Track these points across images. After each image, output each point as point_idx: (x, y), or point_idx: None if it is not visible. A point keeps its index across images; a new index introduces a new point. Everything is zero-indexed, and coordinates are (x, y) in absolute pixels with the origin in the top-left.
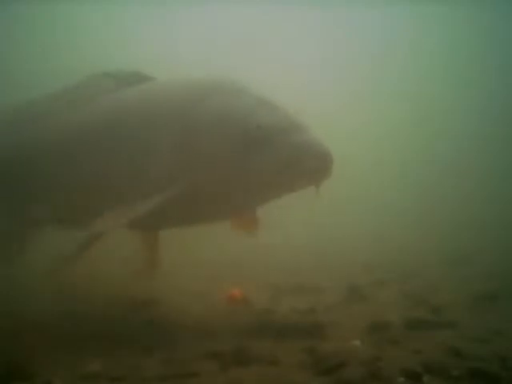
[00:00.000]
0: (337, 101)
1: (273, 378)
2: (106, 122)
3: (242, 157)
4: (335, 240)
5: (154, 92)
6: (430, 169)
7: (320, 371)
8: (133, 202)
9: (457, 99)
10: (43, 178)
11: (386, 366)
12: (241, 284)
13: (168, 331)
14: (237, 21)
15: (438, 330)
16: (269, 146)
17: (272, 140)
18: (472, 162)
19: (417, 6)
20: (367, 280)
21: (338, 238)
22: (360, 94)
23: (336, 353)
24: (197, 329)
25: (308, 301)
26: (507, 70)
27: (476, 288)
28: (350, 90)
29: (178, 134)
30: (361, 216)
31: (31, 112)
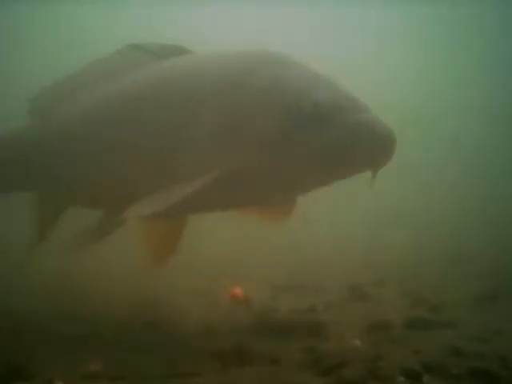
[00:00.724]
0: None
1: (273, 377)
2: (144, 94)
3: (295, 137)
4: (335, 239)
5: (196, 65)
6: (429, 169)
7: (320, 371)
8: (172, 183)
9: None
10: (77, 156)
11: (386, 366)
12: (241, 283)
13: (168, 331)
14: (236, 20)
15: (437, 329)
16: (326, 125)
17: (330, 119)
18: (471, 161)
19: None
20: (367, 279)
21: (338, 238)
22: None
23: (336, 353)
24: (197, 329)
25: (308, 300)
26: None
27: (476, 288)
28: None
29: (224, 111)
30: (361, 216)
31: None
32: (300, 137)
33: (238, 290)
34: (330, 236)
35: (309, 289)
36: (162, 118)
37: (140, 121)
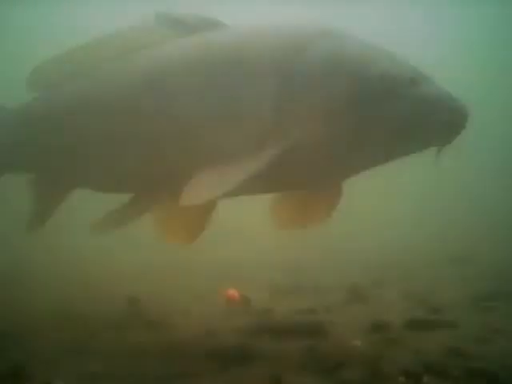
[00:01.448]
0: None
1: (273, 377)
2: (193, 66)
3: (359, 110)
4: (335, 239)
5: (239, 39)
6: (428, 169)
7: (320, 371)
8: (224, 164)
9: None
10: (100, 138)
11: (386, 367)
12: (241, 284)
13: (168, 331)
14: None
15: (438, 330)
16: (393, 98)
17: (397, 92)
18: (471, 161)
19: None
20: (367, 280)
21: (338, 237)
22: None
23: (336, 353)
24: (197, 329)
25: (308, 301)
26: None
27: (476, 288)
28: None
29: (284, 84)
30: (360, 216)
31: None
32: (365, 110)
33: (234, 292)
34: (331, 236)
35: (309, 290)
36: (215, 92)
37: (191, 93)
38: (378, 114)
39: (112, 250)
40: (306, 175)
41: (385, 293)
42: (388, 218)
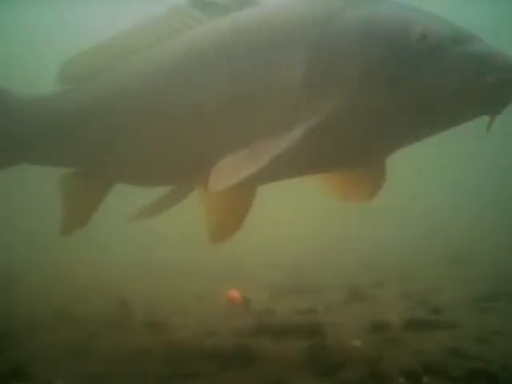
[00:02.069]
0: None
1: (273, 378)
2: (224, 46)
3: (400, 75)
4: (335, 239)
5: (270, 13)
6: (428, 169)
7: (320, 372)
8: (253, 143)
9: None
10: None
11: (386, 367)
12: (241, 284)
13: (168, 331)
14: None
15: (437, 330)
16: (438, 59)
17: (442, 52)
18: (471, 161)
19: None
20: (367, 280)
21: (338, 237)
22: None
23: (336, 353)
24: (197, 329)
25: (308, 301)
26: None
27: (476, 288)
28: None
29: (316, 53)
30: (361, 215)
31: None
32: (406, 74)
33: (235, 293)
34: (331, 236)
35: (308, 290)
36: (236, 74)
37: (222, 74)
38: (419, 78)
39: (108, 252)
40: (344, 152)
41: (385, 293)
42: (388, 217)
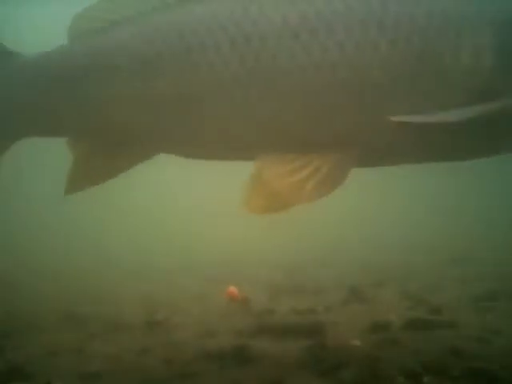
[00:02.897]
0: None
1: (273, 377)
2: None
3: None
4: (335, 239)
5: None
6: (430, 169)
7: (320, 371)
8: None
9: None
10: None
11: (386, 367)
12: (241, 284)
13: (168, 331)
14: None
15: (437, 330)
16: None
17: None
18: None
19: None
20: (367, 280)
21: (339, 237)
22: None
23: (336, 353)
24: (197, 329)
25: (308, 301)
26: None
27: (476, 288)
28: None
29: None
30: (361, 216)
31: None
32: None
33: (234, 290)
34: (331, 236)
35: (308, 290)
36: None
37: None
38: None
39: (109, 252)
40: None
41: (385, 293)
42: (388, 218)
